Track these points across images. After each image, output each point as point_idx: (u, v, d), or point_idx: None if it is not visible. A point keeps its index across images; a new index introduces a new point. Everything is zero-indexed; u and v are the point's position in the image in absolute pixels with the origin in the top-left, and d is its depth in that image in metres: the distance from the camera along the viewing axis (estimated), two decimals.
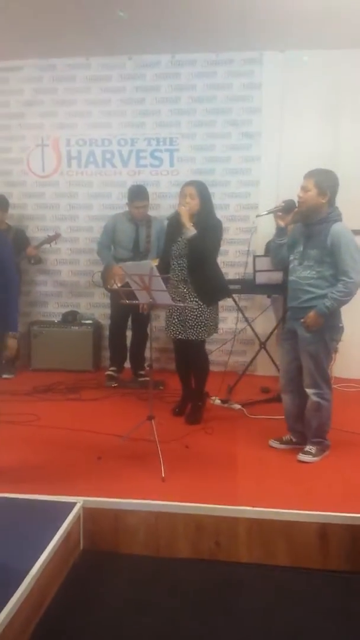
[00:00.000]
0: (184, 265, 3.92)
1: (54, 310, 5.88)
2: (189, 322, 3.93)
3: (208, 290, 3.93)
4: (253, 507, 2.74)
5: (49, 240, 5.30)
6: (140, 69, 5.48)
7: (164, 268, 3.94)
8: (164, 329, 4.19)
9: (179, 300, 3.87)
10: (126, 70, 5.51)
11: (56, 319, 5.76)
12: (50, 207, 5.73)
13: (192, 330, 3.93)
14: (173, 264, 3.96)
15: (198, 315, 3.91)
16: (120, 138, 5.60)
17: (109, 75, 5.53)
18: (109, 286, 5.10)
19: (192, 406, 4.15)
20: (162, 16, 4.54)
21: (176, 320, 3.98)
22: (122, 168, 5.64)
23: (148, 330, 5.16)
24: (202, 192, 3.90)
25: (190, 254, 3.86)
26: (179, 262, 3.94)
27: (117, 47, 5.24)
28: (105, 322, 5.65)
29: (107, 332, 5.50)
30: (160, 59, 5.43)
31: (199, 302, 3.91)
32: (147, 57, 5.43)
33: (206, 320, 3.93)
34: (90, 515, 2.78)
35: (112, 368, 5.22)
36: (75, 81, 5.57)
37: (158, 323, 5.01)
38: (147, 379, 5.05)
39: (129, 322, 5.23)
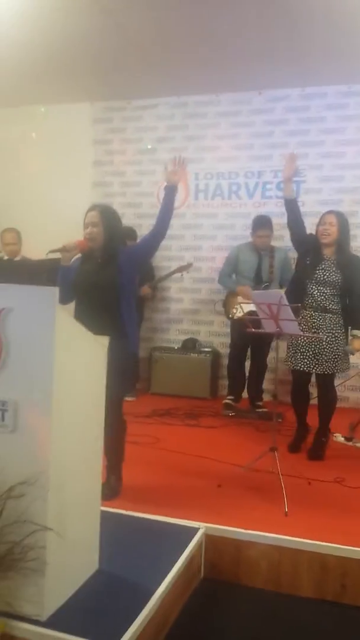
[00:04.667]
0: (327, 292, 3.80)
1: (174, 337, 6.01)
2: (324, 356, 3.76)
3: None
4: None
5: (181, 269, 5.46)
6: (269, 103, 5.59)
7: (293, 297, 3.85)
8: (285, 360, 4.03)
9: (314, 332, 3.77)
10: (255, 104, 5.64)
11: (176, 346, 5.88)
12: (176, 237, 5.91)
13: (328, 364, 3.77)
14: (311, 290, 3.82)
15: (335, 348, 3.77)
16: (247, 171, 5.71)
17: (238, 110, 5.69)
18: (230, 315, 5.14)
19: (315, 441, 4.01)
20: (293, 50, 4.62)
21: (310, 353, 3.80)
22: (247, 200, 5.73)
23: (267, 360, 5.18)
24: (342, 221, 3.83)
25: (344, 280, 3.77)
26: (320, 288, 3.80)
27: (247, 82, 5.39)
28: (224, 350, 5.69)
29: (225, 361, 5.53)
30: (290, 92, 5.50)
31: (337, 333, 3.79)
32: (277, 92, 5.52)
33: (342, 352, 3.81)
34: (212, 542, 2.76)
35: (230, 397, 5.22)
36: (206, 117, 5.78)
37: (276, 353, 4.95)
38: (265, 410, 5.02)
39: (249, 352, 5.23)
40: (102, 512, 2.40)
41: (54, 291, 1.93)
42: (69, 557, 2.04)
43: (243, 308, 4.64)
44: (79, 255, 3.16)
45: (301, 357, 3.83)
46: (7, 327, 1.94)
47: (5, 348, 1.94)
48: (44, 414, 1.90)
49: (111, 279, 3.05)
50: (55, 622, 1.94)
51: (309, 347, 3.80)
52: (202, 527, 2.76)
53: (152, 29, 4.36)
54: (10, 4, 3.96)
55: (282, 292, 3.54)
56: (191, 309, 5.99)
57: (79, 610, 2.04)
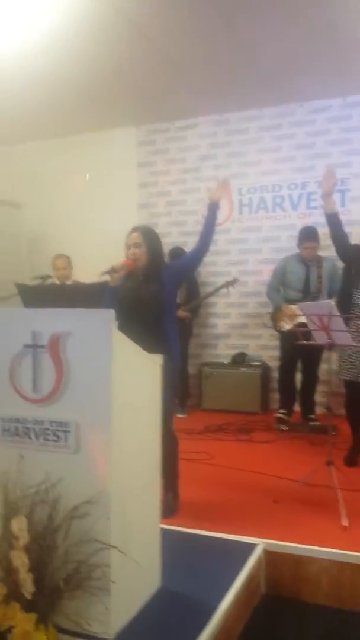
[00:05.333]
0: None
1: (223, 352, 6.03)
2: None
3: None
4: None
5: (227, 285, 5.50)
6: (310, 114, 5.60)
7: (342, 307, 3.82)
8: (337, 372, 4.00)
9: None
10: (297, 117, 5.66)
11: (225, 361, 5.90)
12: (222, 253, 5.95)
13: None
14: (357, 300, 3.79)
15: None
16: (291, 183, 5.71)
17: (279, 123, 5.72)
18: (279, 328, 5.12)
19: None
20: (333, 60, 4.62)
21: (358, 362, 3.75)
22: (292, 212, 5.73)
23: (318, 372, 5.13)
24: None
25: None
26: None
27: (288, 95, 5.41)
28: (273, 364, 5.67)
29: (275, 374, 5.50)
30: (331, 103, 5.50)
31: None
32: (318, 102, 5.53)
33: None
34: (271, 558, 2.74)
35: (281, 411, 5.18)
36: (248, 133, 5.83)
37: (327, 365, 4.90)
38: (318, 423, 4.96)
39: (299, 365, 5.19)
40: (161, 529, 2.43)
41: (111, 313, 1.99)
42: (133, 575, 2.08)
43: (288, 321, 4.63)
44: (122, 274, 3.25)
45: (348, 366, 3.82)
46: (67, 351, 2.01)
47: (65, 371, 2.01)
48: (105, 434, 1.96)
49: (154, 295, 3.14)
50: None
51: (355, 357, 3.77)
52: (260, 543, 2.75)
53: (192, 50, 4.45)
54: (53, 34, 4.10)
55: (333, 302, 3.51)
56: (239, 324, 6.00)
57: (144, 628, 2.06)
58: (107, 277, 3.16)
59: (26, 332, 2.05)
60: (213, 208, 3.31)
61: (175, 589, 2.34)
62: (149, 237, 3.23)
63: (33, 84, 4.96)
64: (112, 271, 3.14)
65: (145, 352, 2.24)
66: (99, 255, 3.98)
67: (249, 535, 2.83)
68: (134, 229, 3.27)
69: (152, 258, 3.19)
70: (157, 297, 3.15)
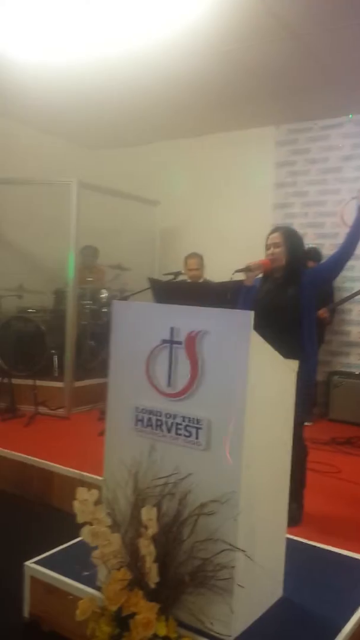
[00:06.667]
0: None
1: (355, 362, 5.76)
2: None
3: None
4: None
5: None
6: None
7: None
8: None
9: None
10: None
11: (357, 371, 5.63)
12: None
13: None
14: None
15: None
16: None
17: None
18: None
19: None
20: None
21: None
22: None
23: None
24: None
25: None
26: None
27: None
28: None
29: None
30: None
31: None
32: None
33: None
34: None
35: None
36: None
37: None
38: None
39: None
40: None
41: (250, 315, 1.96)
42: (256, 580, 2.04)
43: None
44: (260, 275, 3.20)
45: None
46: (203, 349, 2.02)
47: (200, 368, 2.02)
48: (237, 434, 1.93)
49: (292, 300, 3.05)
50: None
51: None
52: None
53: (339, 48, 4.28)
54: (193, 33, 4.09)
55: None
56: None
57: (264, 636, 2.02)
58: (240, 276, 3.12)
59: (165, 328, 2.09)
60: None
61: (297, 602, 2.26)
62: (291, 237, 3.15)
63: (171, 83, 5.03)
64: (247, 270, 3.10)
65: (281, 357, 2.19)
66: (230, 255, 3.96)
67: None
68: (276, 229, 3.23)
69: (292, 259, 3.11)
70: (295, 301, 3.06)
